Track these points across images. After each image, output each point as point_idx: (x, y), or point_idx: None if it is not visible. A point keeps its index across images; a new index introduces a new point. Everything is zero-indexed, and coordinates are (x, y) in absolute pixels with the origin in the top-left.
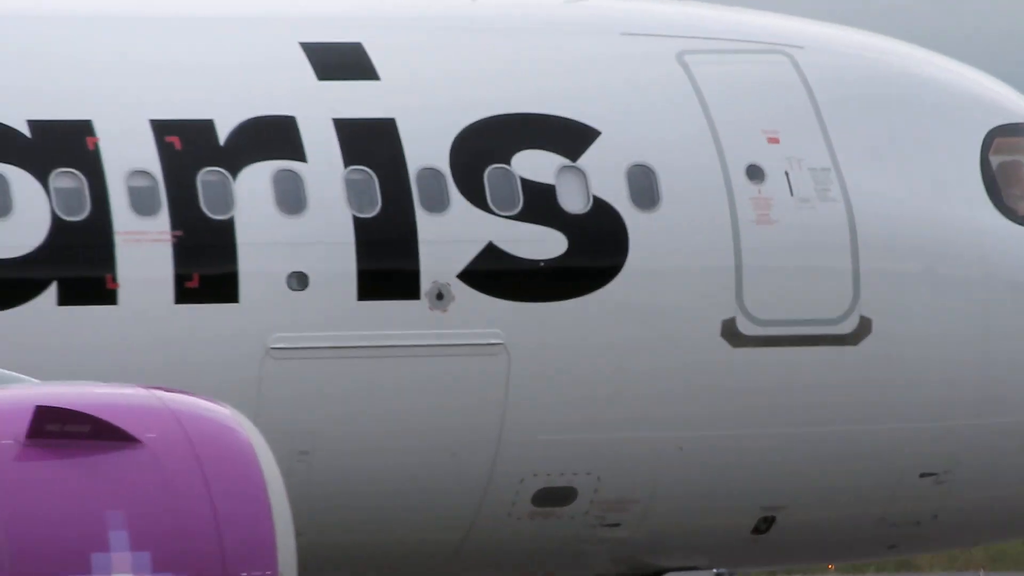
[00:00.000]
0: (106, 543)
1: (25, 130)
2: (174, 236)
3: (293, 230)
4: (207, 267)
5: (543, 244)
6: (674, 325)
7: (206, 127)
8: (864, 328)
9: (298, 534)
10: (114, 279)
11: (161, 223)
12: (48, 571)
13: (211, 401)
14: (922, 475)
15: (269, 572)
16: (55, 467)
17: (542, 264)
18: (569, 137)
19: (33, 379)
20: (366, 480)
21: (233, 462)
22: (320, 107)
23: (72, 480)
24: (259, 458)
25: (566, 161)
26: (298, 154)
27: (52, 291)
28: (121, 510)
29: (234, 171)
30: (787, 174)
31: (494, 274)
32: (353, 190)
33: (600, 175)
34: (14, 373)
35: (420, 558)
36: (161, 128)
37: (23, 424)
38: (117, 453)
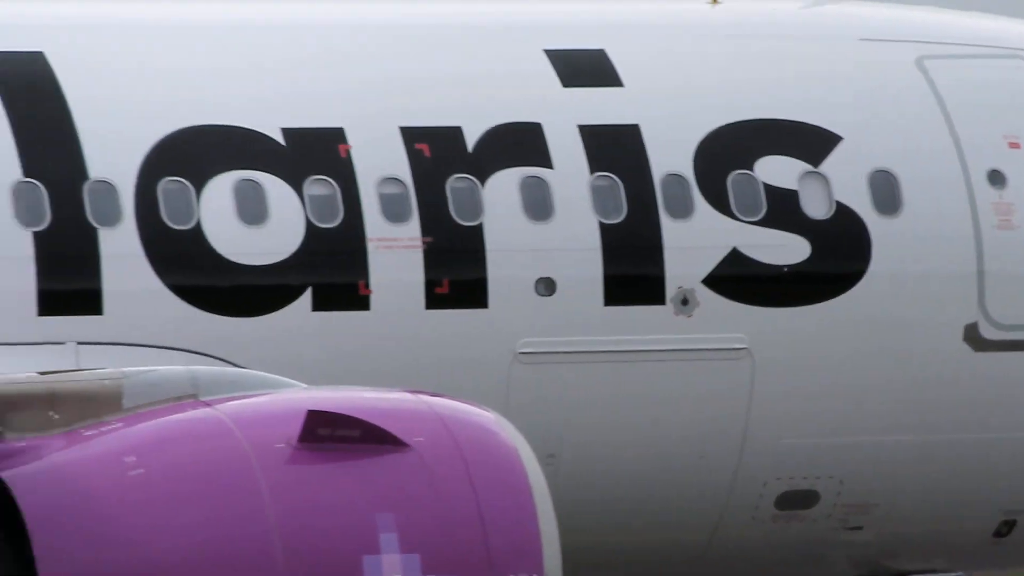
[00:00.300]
0: (376, 546)
1: (279, 138)
2: (425, 242)
3: (540, 236)
4: (457, 273)
5: (786, 249)
6: (916, 330)
7: (454, 134)
8: None
9: None
10: (366, 285)
11: (412, 229)
12: (321, 572)
13: (475, 405)
14: None
15: (535, 574)
16: (326, 470)
17: (785, 269)
18: (811, 143)
19: (301, 383)
20: (612, 483)
21: (498, 465)
22: (565, 114)
23: (342, 483)
24: (523, 461)
25: (808, 167)
26: (544, 160)
27: (307, 297)
28: (391, 513)
29: (482, 177)
30: None
31: (738, 279)
32: (599, 196)
33: (842, 180)
34: (283, 378)
35: (664, 561)
36: (411, 135)
37: (295, 428)
38: (386, 457)
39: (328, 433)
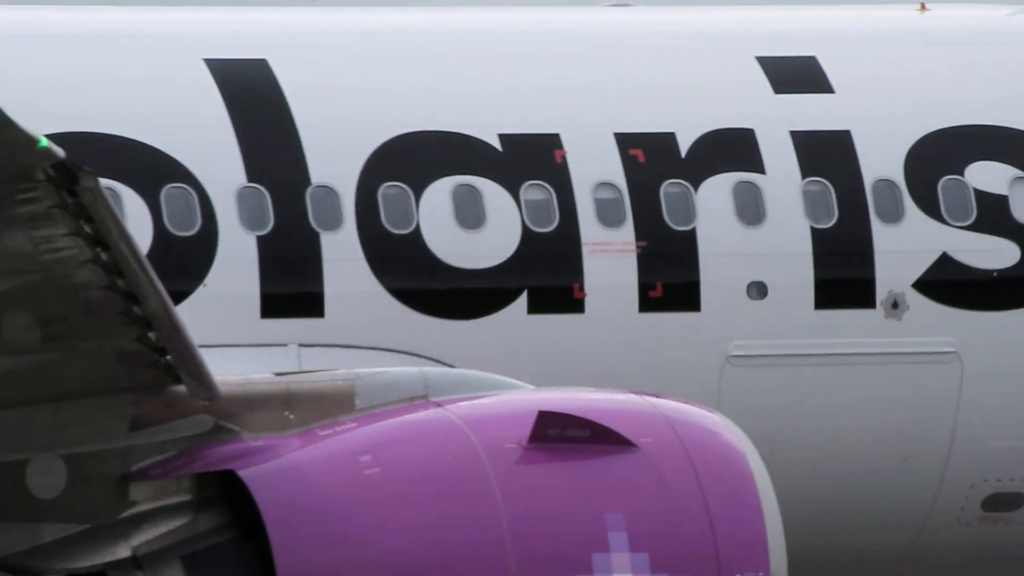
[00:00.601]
0: (606, 544)
1: (497, 144)
2: (639, 247)
3: (753, 240)
4: (670, 277)
5: (996, 254)
6: None
7: (668, 140)
8: None
9: None
10: (581, 288)
11: (626, 234)
12: (551, 570)
13: (700, 406)
14: None
15: (762, 573)
16: (556, 470)
17: (995, 274)
18: (1022, 148)
19: (528, 385)
20: (821, 484)
21: (725, 465)
22: (777, 119)
23: (572, 483)
24: (749, 461)
25: (1019, 172)
26: (757, 166)
27: (522, 300)
28: (620, 512)
29: (695, 183)
30: None
31: (948, 284)
32: (810, 201)
33: None
34: (510, 379)
35: (869, 562)
36: (625, 141)
37: (525, 428)
38: (614, 457)
39: (557, 433)
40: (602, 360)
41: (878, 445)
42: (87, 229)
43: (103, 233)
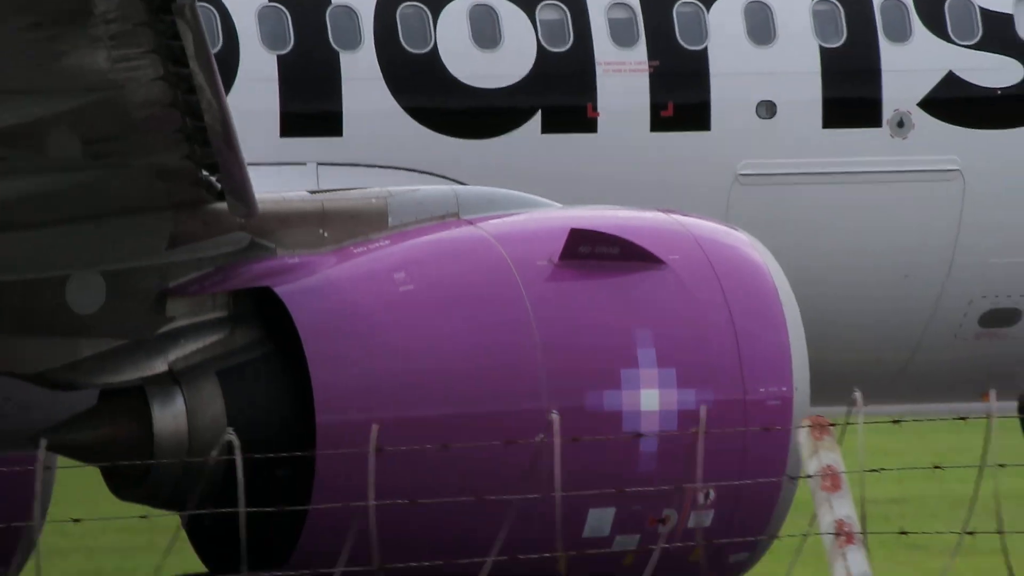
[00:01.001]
0: (635, 360)
1: None
2: (651, 66)
3: (763, 60)
4: (681, 96)
5: (1000, 72)
6: None
7: None
8: None
9: None
10: (594, 108)
11: (639, 53)
12: (582, 385)
13: (726, 225)
14: None
15: (784, 388)
16: (586, 286)
17: (999, 92)
18: None
19: (555, 203)
20: (822, 300)
21: (750, 282)
22: None
23: (602, 299)
24: (774, 278)
25: None
26: None
27: (536, 119)
28: (648, 329)
29: (707, 3)
30: None
31: (953, 102)
32: (819, 20)
33: None
34: (539, 198)
35: (867, 377)
36: None
37: (556, 245)
38: (643, 274)
39: (588, 251)
40: (614, 179)
41: (880, 262)
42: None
43: (184, 50)
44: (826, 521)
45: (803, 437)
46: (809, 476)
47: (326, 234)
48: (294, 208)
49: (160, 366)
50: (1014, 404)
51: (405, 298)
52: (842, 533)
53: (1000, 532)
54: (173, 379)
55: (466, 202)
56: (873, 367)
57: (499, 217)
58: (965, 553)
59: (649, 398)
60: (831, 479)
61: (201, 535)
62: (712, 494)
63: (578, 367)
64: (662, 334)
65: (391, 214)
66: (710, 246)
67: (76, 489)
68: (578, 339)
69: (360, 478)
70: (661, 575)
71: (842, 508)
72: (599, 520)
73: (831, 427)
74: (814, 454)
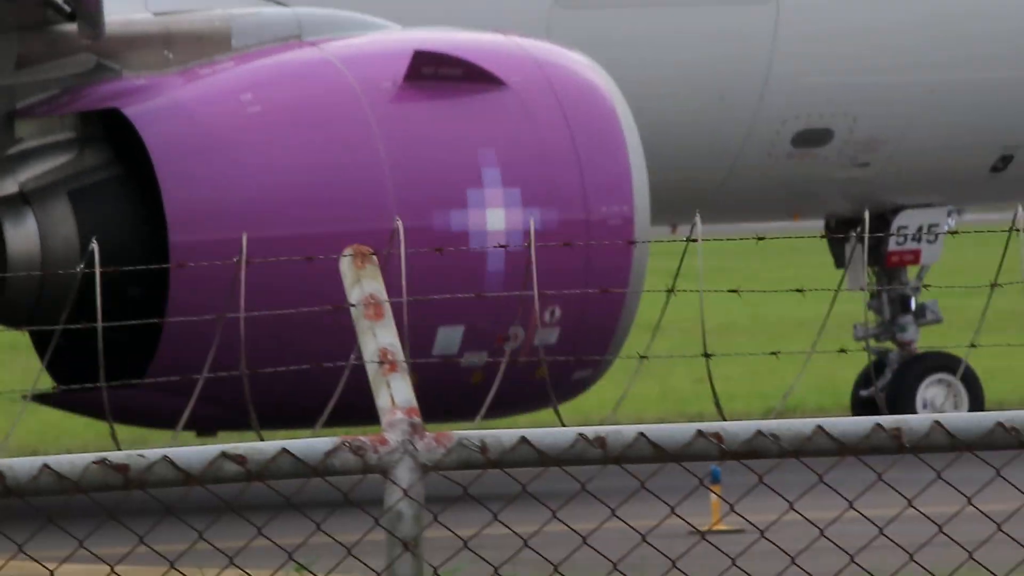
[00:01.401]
0: (480, 179)
1: None
2: None
3: None
4: None
5: None
6: None
7: None
8: None
9: None
10: None
11: None
12: (427, 205)
13: (564, 48)
14: None
15: (626, 207)
16: (431, 107)
17: None
18: None
19: (395, 24)
20: (640, 122)
21: (590, 104)
22: None
23: (446, 120)
24: (613, 101)
25: None
26: None
27: None
28: (492, 149)
29: None
30: None
31: None
32: None
33: None
34: (379, 19)
35: (684, 196)
36: None
37: (400, 67)
38: (486, 95)
39: (431, 72)
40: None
41: (695, 83)
42: None
43: None
44: (370, 349)
45: (345, 266)
46: (352, 305)
47: (171, 56)
48: (139, 30)
49: (10, 187)
50: (821, 223)
51: (253, 119)
52: (386, 361)
53: (706, 355)
54: (24, 199)
55: (308, 24)
56: (686, 188)
57: (341, 39)
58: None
59: (495, 217)
60: (374, 307)
61: (56, 360)
62: (558, 312)
63: (424, 187)
64: (506, 154)
65: (234, 36)
66: (550, 68)
67: None
68: (423, 159)
69: (214, 296)
70: (508, 393)
71: (385, 336)
72: (448, 338)
73: (373, 256)
74: (356, 283)
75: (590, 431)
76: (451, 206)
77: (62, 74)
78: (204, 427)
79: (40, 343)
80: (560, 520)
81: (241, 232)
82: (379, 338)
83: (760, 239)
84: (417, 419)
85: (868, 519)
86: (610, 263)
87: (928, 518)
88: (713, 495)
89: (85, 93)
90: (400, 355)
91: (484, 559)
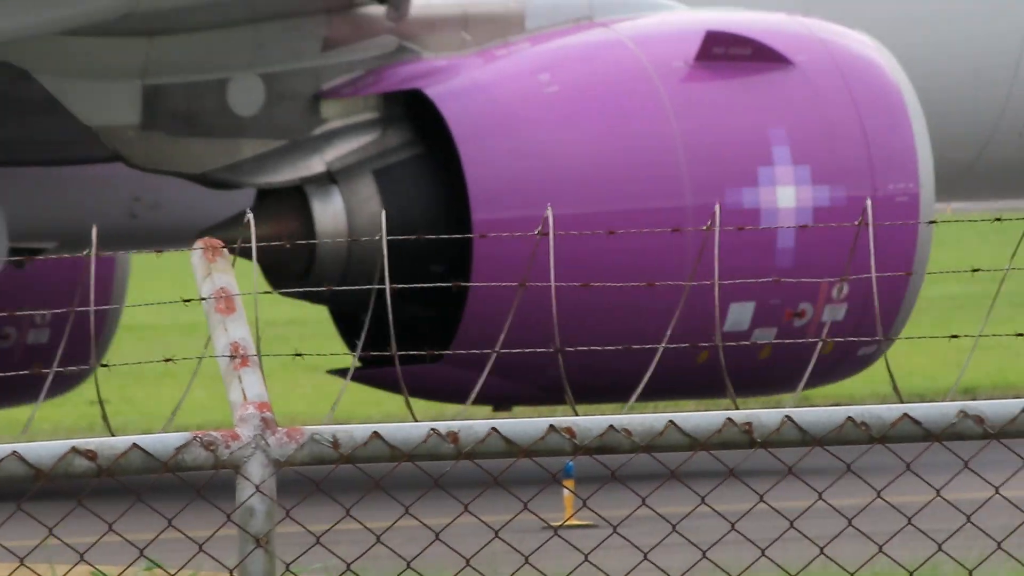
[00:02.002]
0: (770, 157)
1: None
2: None
3: None
4: None
5: None
6: None
7: None
8: None
9: None
10: None
11: None
12: (722, 183)
13: (847, 28)
14: None
15: (912, 184)
16: (722, 87)
17: None
18: None
19: (680, 5)
20: None
21: (875, 82)
22: None
23: (738, 99)
24: (897, 79)
25: None
26: None
27: None
28: (781, 127)
29: None
30: None
31: None
32: None
33: None
34: (667, 1)
35: (937, 174)
36: None
37: (691, 47)
38: (774, 74)
39: (722, 52)
40: None
41: (950, 60)
42: None
43: None
44: (221, 343)
45: (196, 259)
46: (203, 299)
47: (468, 37)
48: (438, 12)
49: (318, 166)
50: None
51: (551, 98)
52: (237, 355)
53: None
54: (331, 178)
55: (599, 5)
56: (941, 165)
57: (632, 20)
58: None
59: (785, 195)
60: (225, 301)
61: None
62: (846, 288)
63: (717, 165)
64: (795, 132)
65: (528, 17)
66: (835, 47)
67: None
68: (716, 138)
69: (515, 273)
70: (794, 369)
71: (237, 330)
72: (740, 314)
73: (224, 249)
74: (207, 276)
75: (442, 426)
76: (743, 184)
77: (365, 56)
78: (500, 402)
79: (343, 319)
80: (413, 516)
81: (541, 209)
82: (231, 332)
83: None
84: (269, 414)
85: (720, 514)
86: (896, 239)
87: (779, 513)
88: (566, 490)
89: (387, 74)
90: (252, 349)
91: (336, 555)
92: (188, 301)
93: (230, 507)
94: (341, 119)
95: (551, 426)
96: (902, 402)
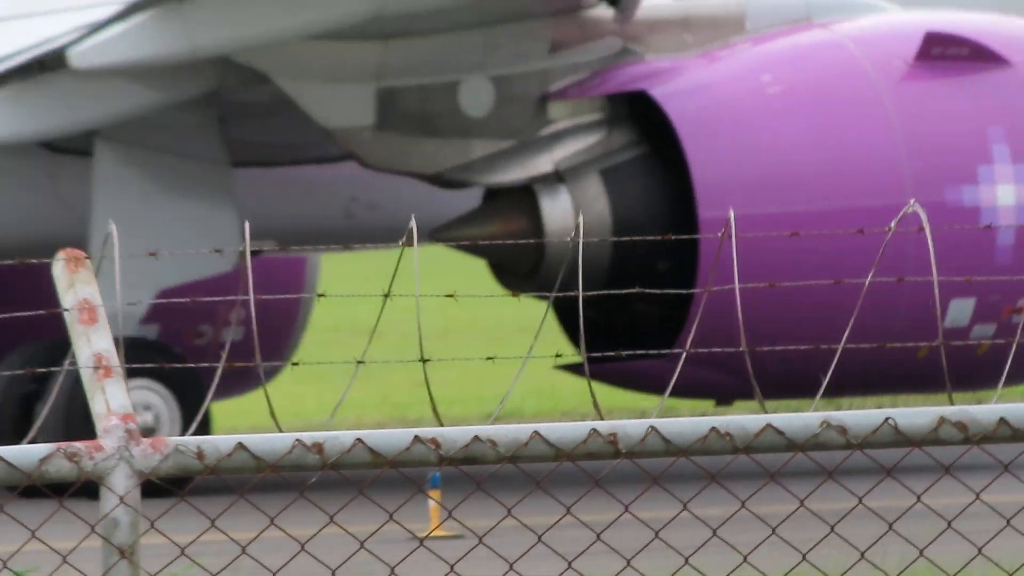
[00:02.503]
0: (990, 156)
1: None
2: None
3: None
4: None
5: None
6: None
7: None
8: None
9: None
10: None
11: None
12: (942, 181)
13: None
14: None
15: None
16: (941, 86)
17: None
18: None
19: (890, 6)
20: None
21: None
22: None
23: (957, 98)
24: None
25: None
26: None
27: None
28: (1000, 126)
29: None
30: None
31: None
32: None
33: None
34: (881, 2)
35: None
36: None
37: (910, 47)
38: (992, 73)
39: (940, 52)
40: None
41: None
42: None
43: None
44: (84, 355)
45: (59, 270)
46: (67, 310)
47: (689, 39)
48: (660, 15)
49: (546, 166)
50: None
51: (773, 98)
52: (100, 366)
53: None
54: (558, 178)
55: (817, 7)
56: None
57: (850, 21)
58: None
59: (1005, 193)
60: (88, 312)
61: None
62: None
63: (938, 163)
64: (1014, 131)
65: (748, 19)
66: None
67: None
68: (936, 136)
69: (741, 271)
70: (1015, 364)
71: (100, 341)
72: (960, 310)
73: (87, 260)
74: (70, 287)
75: (308, 437)
76: (963, 182)
77: (591, 58)
78: (722, 397)
79: (566, 316)
80: (278, 526)
81: (765, 207)
82: (93, 343)
83: None
84: (133, 424)
85: (586, 524)
86: None
87: (644, 523)
88: (432, 501)
89: (612, 76)
90: (115, 360)
91: (201, 566)
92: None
93: (96, 517)
94: (568, 120)
95: (416, 437)
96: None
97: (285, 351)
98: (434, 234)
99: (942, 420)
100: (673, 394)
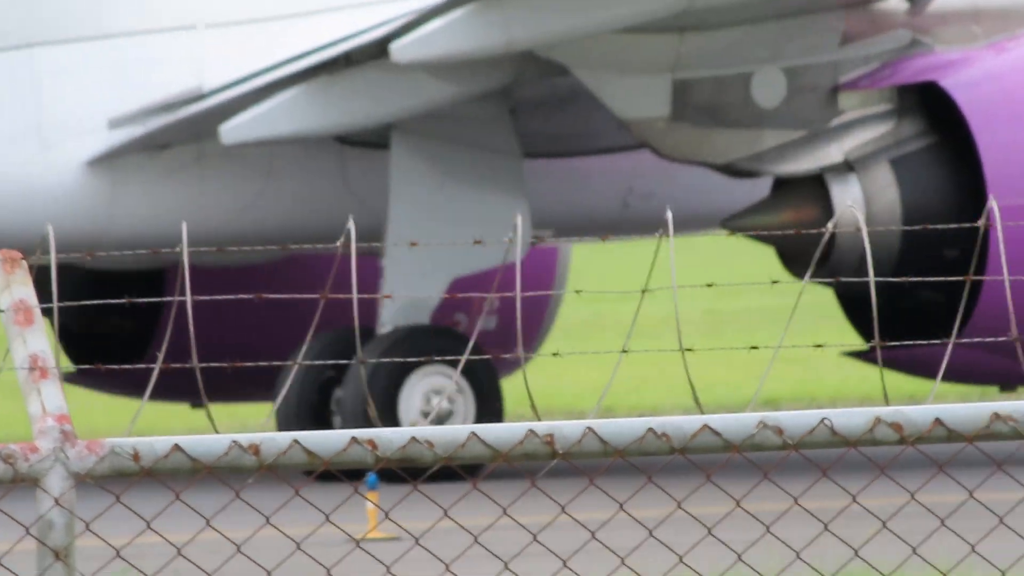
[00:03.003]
0: None
1: None
2: None
3: None
4: None
5: None
6: None
7: None
8: None
9: None
10: None
11: None
12: None
13: None
14: None
15: None
16: None
17: None
18: None
19: None
20: None
21: None
22: None
23: None
24: None
25: None
26: None
27: None
28: None
29: None
30: None
31: None
32: None
33: None
34: None
35: None
36: None
37: None
38: None
39: None
40: None
41: None
42: None
43: None
44: (20, 356)
45: None
46: (1, 311)
47: (978, 30)
48: (950, 7)
49: (836, 155)
50: None
51: None
52: (36, 368)
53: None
54: (848, 167)
55: None
56: None
57: None
58: None
59: None
60: (24, 313)
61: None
62: None
63: None
64: None
65: None
66: None
67: None
68: None
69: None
70: None
71: (36, 343)
72: None
73: (23, 260)
74: (6, 288)
75: (244, 438)
76: None
77: (881, 49)
78: (1007, 383)
79: (852, 305)
80: (214, 528)
81: None
82: (29, 344)
83: None
84: (68, 426)
85: (522, 526)
86: None
87: (582, 525)
88: (369, 502)
89: (902, 67)
90: (51, 361)
91: (137, 568)
92: None
93: (30, 520)
94: (858, 110)
95: (353, 438)
96: (702, 412)
97: (534, 341)
98: (726, 222)
99: (878, 421)
100: (960, 380)
